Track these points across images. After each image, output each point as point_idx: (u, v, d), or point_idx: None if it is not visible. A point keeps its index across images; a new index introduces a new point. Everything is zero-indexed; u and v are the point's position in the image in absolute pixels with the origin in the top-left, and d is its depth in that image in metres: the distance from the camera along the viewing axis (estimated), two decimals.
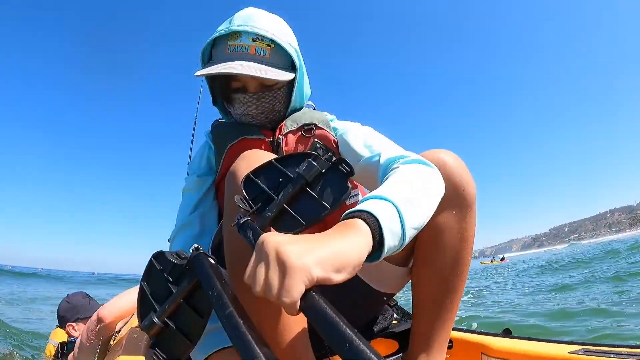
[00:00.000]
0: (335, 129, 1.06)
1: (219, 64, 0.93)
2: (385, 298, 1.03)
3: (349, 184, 0.62)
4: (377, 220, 0.55)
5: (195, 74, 0.94)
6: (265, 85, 0.98)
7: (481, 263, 44.38)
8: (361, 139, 0.96)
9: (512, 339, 1.25)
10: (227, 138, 1.00)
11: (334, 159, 0.64)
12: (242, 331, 0.47)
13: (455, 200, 0.81)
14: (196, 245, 0.64)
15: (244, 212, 0.64)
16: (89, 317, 1.95)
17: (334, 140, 1.03)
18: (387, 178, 0.72)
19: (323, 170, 0.63)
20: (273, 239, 0.49)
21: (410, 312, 0.92)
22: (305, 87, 1.08)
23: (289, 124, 1.03)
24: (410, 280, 0.95)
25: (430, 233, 0.81)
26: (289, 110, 1.07)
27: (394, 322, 1.27)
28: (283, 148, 1.00)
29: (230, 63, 0.92)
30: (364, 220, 0.55)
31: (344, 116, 1.12)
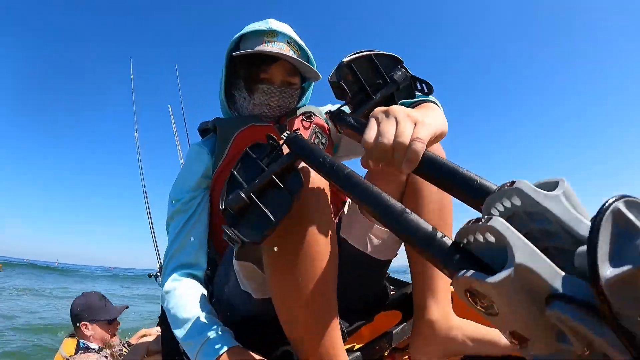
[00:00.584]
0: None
1: (264, 46, 1.01)
2: (385, 266, 1.02)
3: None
4: (436, 104, 0.79)
5: (238, 52, 1.02)
6: (288, 82, 1.08)
7: None
8: None
9: None
10: (234, 127, 1.04)
11: (413, 76, 0.77)
12: (366, 185, 0.50)
13: None
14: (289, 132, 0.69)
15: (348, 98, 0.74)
16: (104, 320, 2.21)
17: (327, 128, 1.14)
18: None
19: (410, 81, 0.77)
20: (398, 107, 0.59)
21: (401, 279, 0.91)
22: (309, 97, 1.22)
23: (291, 113, 1.13)
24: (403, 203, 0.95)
25: (413, 187, 0.87)
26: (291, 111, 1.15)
27: (391, 293, 1.25)
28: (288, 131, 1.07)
29: (279, 48, 1.02)
30: (434, 103, 0.78)
31: None
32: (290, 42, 1.06)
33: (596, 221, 0.29)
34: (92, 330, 2.24)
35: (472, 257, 0.37)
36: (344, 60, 0.73)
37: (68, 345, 2.26)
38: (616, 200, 0.29)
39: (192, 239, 0.99)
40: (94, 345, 2.22)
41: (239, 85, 1.11)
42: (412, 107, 0.72)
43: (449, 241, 0.39)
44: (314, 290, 0.69)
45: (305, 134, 1.10)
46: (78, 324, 2.25)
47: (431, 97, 0.80)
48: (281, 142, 0.66)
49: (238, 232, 0.60)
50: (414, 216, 0.44)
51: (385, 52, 0.76)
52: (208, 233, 1.04)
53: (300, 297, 0.69)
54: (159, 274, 2.51)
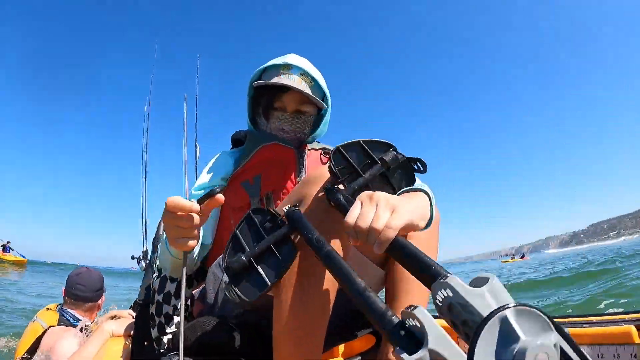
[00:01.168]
0: None
1: (278, 78, 1.16)
2: None
3: (415, 175, 0.82)
4: (428, 194, 0.83)
5: (255, 83, 1.19)
6: (300, 111, 1.20)
7: (502, 262, 42.02)
8: None
9: None
10: (260, 140, 1.19)
11: (408, 157, 0.81)
12: (341, 264, 0.60)
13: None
14: (289, 205, 0.77)
15: (331, 180, 0.79)
16: (94, 303, 2.24)
17: None
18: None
19: (400, 162, 0.80)
20: (381, 193, 0.67)
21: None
22: (327, 123, 1.32)
23: (313, 145, 1.27)
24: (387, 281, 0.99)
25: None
26: (311, 138, 1.28)
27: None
28: (306, 159, 1.20)
29: (289, 79, 1.15)
30: (425, 192, 0.83)
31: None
32: (304, 74, 1.18)
33: (479, 326, 0.37)
34: (101, 305, 2.31)
35: (410, 335, 0.45)
36: (337, 146, 0.81)
37: (48, 316, 2.18)
38: (505, 309, 0.37)
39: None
40: (88, 322, 2.12)
41: (259, 113, 1.25)
42: (403, 193, 0.80)
43: (396, 319, 0.48)
44: (306, 332, 0.75)
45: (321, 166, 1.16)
46: (95, 302, 2.27)
47: (424, 186, 0.87)
48: (282, 215, 0.76)
49: (237, 289, 0.71)
50: (372, 294, 0.54)
51: (376, 140, 0.83)
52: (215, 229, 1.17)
53: (291, 335, 0.75)
54: (142, 257, 2.50)
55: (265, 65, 1.22)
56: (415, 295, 0.92)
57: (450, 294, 0.44)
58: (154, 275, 1.07)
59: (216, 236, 1.16)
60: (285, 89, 1.16)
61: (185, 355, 0.88)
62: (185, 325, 0.98)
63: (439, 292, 0.46)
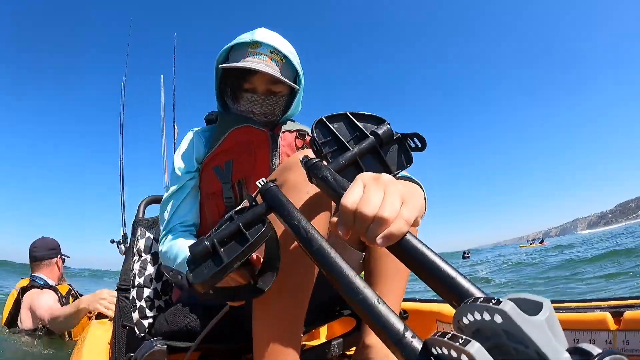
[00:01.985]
0: None
1: (244, 60, 1.08)
2: None
3: (412, 155, 0.71)
4: (422, 187, 0.80)
5: (221, 65, 1.10)
6: (271, 91, 1.13)
7: (520, 247, 41.43)
8: None
9: None
10: (232, 123, 1.12)
11: (404, 133, 0.70)
12: (341, 267, 0.49)
13: None
14: (264, 180, 0.66)
15: (314, 152, 0.69)
16: (65, 257, 2.87)
17: None
18: None
19: (395, 137, 0.69)
20: (388, 175, 0.56)
21: None
22: (300, 102, 1.24)
23: (287, 126, 1.19)
24: (364, 260, 0.99)
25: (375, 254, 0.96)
26: (284, 118, 1.21)
27: None
28: (280, 142, 1.14)
29: (255, 61, 1.08)
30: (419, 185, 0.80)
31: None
32: (273, 51, 1.11)
33: None
34: (60, 267, 2.80)
35: None
36: (319, 118, 0.71)
37: (22, 283, 2.68)
38: (604, 357, 0.29)
39: (186, 205, 1.10)
40: (52, 282, 2.70)
41: (226, 96, 1.19)
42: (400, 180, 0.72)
43: (418, 345, 0.39)
44: (285, 308, 0.73)
45: (298, 147, 1.15)
46: (51, 259, 2.75)
47: (416, 180, 0.85)
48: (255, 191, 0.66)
49: (190, 272, 0.59)
50: (385, 308, 0.43)
51: (366, 113, 0.73)
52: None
53: (270, 310, 0.73)
54: (121, 240, 2.46)
55: (232, 44, 1.14)
56: (396, 280, 0.92)
57: (498, 321, 0.36)
58: (134, 259, 1.06)
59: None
60: (252, 70, 1.09)
61: (165, 339, 0.88)
62: (163, 311, 0.98)
63: (472, 314, 0.39)
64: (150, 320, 0.97)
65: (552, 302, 1.08)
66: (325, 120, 0.70)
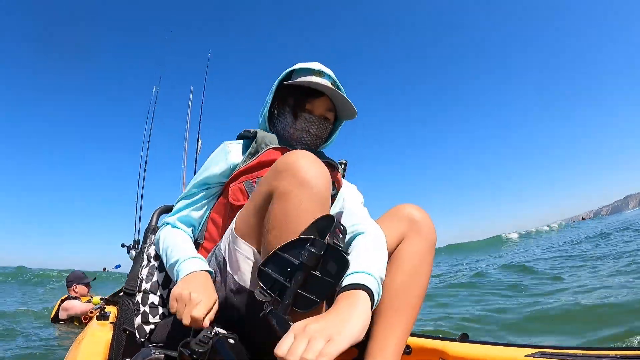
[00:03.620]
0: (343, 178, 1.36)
1: (322, 82, 1.17)
2: None
3: (347, 258, 0.77)
4: (371, 291, 0.75)
5: (296, 82, 1.18)
6: (325, 117, 1.23)
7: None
8: (357, 201, 1.26)
9: (469, 344, 1.26)
10: (272, 142, 1.17)
11: (330, 243, 0.75)
12: None
13: (421, 243, 1.06)
14: (216, 330, 0.78)
15: (269, 301, 0.75)
16: (85, 283, 4.81)
17: (341, 183, 1.30)
18: (358, 244, 0.92)
19: (322, 253, 0.74)
20: (317, 322, 0.64)
21: None
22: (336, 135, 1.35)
23: (320, 155, 1.25)
24: None
25: (398, 261, 1.02)
26: (322, 146, 1.31)
27: None
28: None
29: (330, 87, 1.17)
30: (365, 290, 0.74)
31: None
32: (333, 83, 1.23)
33: None
34: (78, 289, 4.73)
35: None
36: (259, 266, 0.77)
37: (62, 298, 4.66)
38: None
39: (196, 209, 1.17)
40: (74, 296, 4.66)
41: (283, 111, 1.24)
42: (342, 291, 0.74)
43: None
44: None
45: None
46: (71, 286, 4.72)
47: (366, 281, 0.77)
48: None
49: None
50: None
51: (292, 240, 0.76)
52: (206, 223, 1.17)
53: None
54: (132, 246, 2.49)
55: (295, 68, 1.23)
56: (404, 314, 0.97)
57: None
58: (142, 264, 1.07)
59: (204, 228, 1.16)
60: (317, 93, 1.19)
61: (164, 348, 0.88)
62: (165, 319, 0.98)
63: None
64: (152, 327, 0.97)
65: (560, 347, 1.07)
66: (262, 267, 0.77)
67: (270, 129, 1.26)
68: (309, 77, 1.19)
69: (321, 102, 1.20)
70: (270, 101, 1.24)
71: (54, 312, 4.59)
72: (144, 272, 1.04)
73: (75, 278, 4.78)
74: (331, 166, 1.25)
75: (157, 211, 1.41)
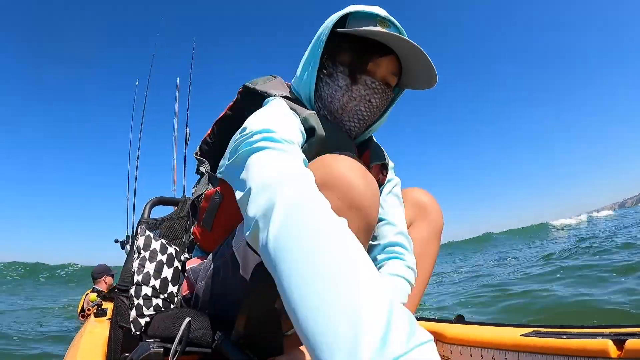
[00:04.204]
0: (389, 179, 1.08)
1: (394, 33, 0.83)
2: None
3: None
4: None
5: (360, 30, 0.84)
6: (388, 83, 0.92)
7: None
8: (397, 203, 1.06)
9: (466, 325, 1.27)
10: (326, 142, 0.83)
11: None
12: None
13: (428, 228, 1.06)
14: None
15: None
16: (111, 274, 4.84)
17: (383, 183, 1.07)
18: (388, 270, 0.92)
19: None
20: None
21: None
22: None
23: (374, 155, 1.01)
24: None
25: None
26: (371, 128, 0.99)
27: None
28: None
29: (411, 42, 0.83)
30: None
31: None
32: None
33: None
34: (108, 280, 4.77)
35: None
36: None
37: (88, 291, 4.62)
38: None
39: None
40: (102, 290, 4.44)
41: (334, 71, 0.91)
42: None
43: None
44: None
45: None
46: (100, 278, 4.75)
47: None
48: None
49: None
50: None
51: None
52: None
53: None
54: (126, 241, 2.48)
55: (350, 10, 0.89)
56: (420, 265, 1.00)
57: None
58: (134, 257, 1.06)
59: (216, 220, 0.97)
60: (384, 49, 0.88)
61: (163, 342, 0.88)
62: (160, 310, 0.98)
63: None
64: (147, 319, 0.97)
65: (554, 326, 1.08)
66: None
67: (316, 99, 0.94)
68: (371, 27, 0.87)
69: (388, 62, 0.90)
70: (319, 57, 0.90)
71: (80, 307, 4.68)
72: (135, 265, 1.03)
73: (104, 270, 4.89)
74: (384, 168, 1.04)
75: (149, 204, 1.40)
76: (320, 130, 0.82)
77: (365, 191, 0.67)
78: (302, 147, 0.77)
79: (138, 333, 0.96)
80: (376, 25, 0.87)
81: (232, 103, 1.00)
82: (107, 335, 1.25)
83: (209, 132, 1.06)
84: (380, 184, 1.03)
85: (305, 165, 0.65)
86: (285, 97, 0.88)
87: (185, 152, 3.11)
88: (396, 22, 0.89)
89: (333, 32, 0.89)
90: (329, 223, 0.46)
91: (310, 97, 0.92)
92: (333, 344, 0.35)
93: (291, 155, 0.62)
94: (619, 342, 0.83)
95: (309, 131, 0.82)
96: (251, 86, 0.93)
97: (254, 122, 0.72)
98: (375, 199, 0.69)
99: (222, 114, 1.02)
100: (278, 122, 0.71)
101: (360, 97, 0.89)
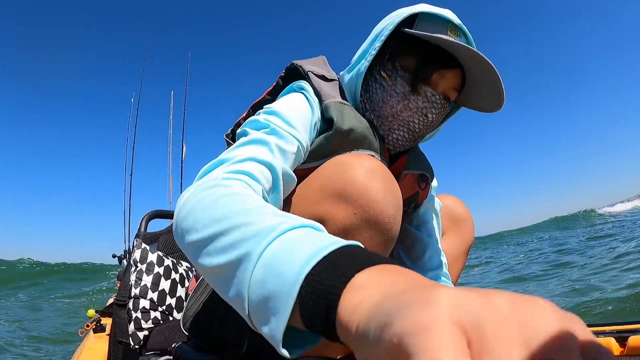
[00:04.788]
0: (431, 197, 0.98)
1: (469, 47, 0.74)
2: None
3: None
4: None
5: (442, 38, 0.73)
6: (448, 98, 0.83)
7: None
8: (436, 232, 0.99)
9: None
10: (359, 140, 0.76)
11: None
12: None
13: (459, 242, 1.04)
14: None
15: None
16: None
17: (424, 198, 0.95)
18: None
19: None
20: None
21: None
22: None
23: (412, 161, 0.89)
24: None
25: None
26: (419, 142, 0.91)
27: None
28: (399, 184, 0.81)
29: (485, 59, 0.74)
30: None
31: None
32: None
33: None
34: None
35: None
36: None
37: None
38: None
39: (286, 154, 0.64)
40: None
41: (394, 74, 0.81)
42: None
43: None
44: None
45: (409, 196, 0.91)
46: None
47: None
48: None
49: None
50: None
51: None
52: None
53: None
54: (123, 256, 2.47)
55: (421, 10, 0.78)
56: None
57: None
58: (131, 270, 1.05)
59: None
60: (453, 61, 0.78)
61: (162, 354, 0.87)
62: (159, 323, 0.97)
63: None
64: (146, 333, 0.96)
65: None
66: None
67: (362, 99, 0.84)
68: (441, 34, 0.75)
69: (453, 76, 0.80)
70: (376, 52, 0.79)
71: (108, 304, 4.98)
72: (132, 278, 1.02)
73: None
74: (424, 179, 0.90)
75: (146, 217, 1.39)
76: (339, 122, 0.73)
77: (385, 203, 0.59)
78: (313, 142, 0.74)
79: (137, 347, 0.95)
80: (447, 32, 0.77)
81: (271, 88, 0.91)
82: (107, 350, 1.24)
83: (244, 114, 0.95)
84: (415, 198, 0.91)
85: (285, 173, 0.61)
86: (322, 77, 0.82)
87: (181, 167, 3.11)
88: (467, 32, 0.80)
89: (396, 30, 0.78)
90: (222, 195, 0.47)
91: (356, 96, 0.83)
92: (222, 278, 0.38)
93: (270, 150, 0.60)
94: (622, 339, 0.83)
95: (329, 121, 0.75)
96: (296, 63, 0.85)
97: (271, 105, 0.72)
98: (397, 213, 0.61)
99: (260, 98, 0.93)
100: (289, 106, 0.71)
101: (417, 108, 0.79)
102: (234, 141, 0.91)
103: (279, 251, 0.34)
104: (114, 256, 2.52)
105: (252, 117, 0.68)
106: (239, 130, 0.68)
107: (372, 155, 0.68)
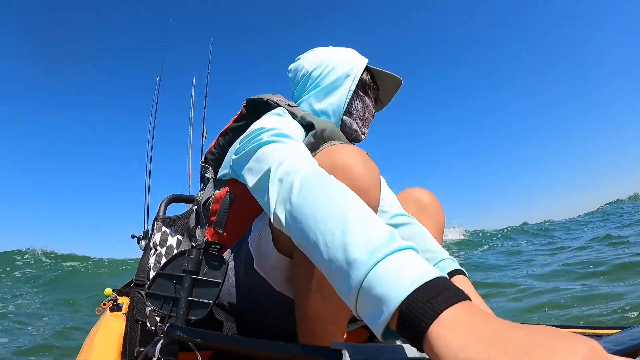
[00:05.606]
0: None
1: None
2: None
3: (223, 257, 0.83)
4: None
5: (380, 70, 1.16)
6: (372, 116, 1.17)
7: None
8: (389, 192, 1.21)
9: None
10: (339, 137, 0.96)
11: (203, 246, 0.82)
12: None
13: (429, 224, 1.12)
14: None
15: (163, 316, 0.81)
16: None
17: None
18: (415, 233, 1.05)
19: (200, 257, 0.82)
20: None
21: None
22: None
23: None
24: None
25: None
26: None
27: None
28: None
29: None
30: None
31: None
32: None
33: None
34: None
35: None
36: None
37: None
38: None
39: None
40: None
41: (365, 90, 1.14)
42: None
43: None
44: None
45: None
46: None
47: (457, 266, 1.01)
48: None
49: None
50: None
51: (169, 258, 0.86)
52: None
53: (322, 294, 0.73)
54: (142, 237, 2.51)
55: (362, 61, 1.11)
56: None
57: None
58: (150, 252, 1.07)
59: (229, 220, 0.98)
60: (389, 86, 1.20)
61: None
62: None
63: None
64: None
65: (557, 326, 1.05)
66: (149, 291, 0.84)
67: (345, 114, 1.10)
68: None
69: (382, 95, 1.23)
70: (355, 85, 1.07)
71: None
72: (152, 261, 1.04)
73: None
74: None
75: (165, 200, 1.41)
76: (318, 123, 0.92)
77: (367, 175, 0.72)
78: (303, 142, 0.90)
79: (154, 328, 0.97)
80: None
81: (236, 116, 1.08)
82: (123, 329, 1.26)
83: (213, 143, 1.13)
84: None
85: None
86: (288, 105, 1.00)
87: (201, 150, 3.14)
88: None
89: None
90: (334, 186, 0.58)
91: (340, 111, 1.06)
92: (335, 269, 0.48)
93: (298, 146, 0.74)
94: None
95: (307, 127, 0.93)
96: (255, 97, 1.04)
97: (261, 123, 0.85)
98: (377, 182, 0.74)
99: (226, 126, 1.09)
100: (282, 122, 0.87)
101: (363, 109, 1.11)
102: (214, 167, 1.11)
103: (391, 265, 0.43)
104: (133, 236, 2.56)
105: (255, 137, 0.80)
106: (238, 157, 0.83)
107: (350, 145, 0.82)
